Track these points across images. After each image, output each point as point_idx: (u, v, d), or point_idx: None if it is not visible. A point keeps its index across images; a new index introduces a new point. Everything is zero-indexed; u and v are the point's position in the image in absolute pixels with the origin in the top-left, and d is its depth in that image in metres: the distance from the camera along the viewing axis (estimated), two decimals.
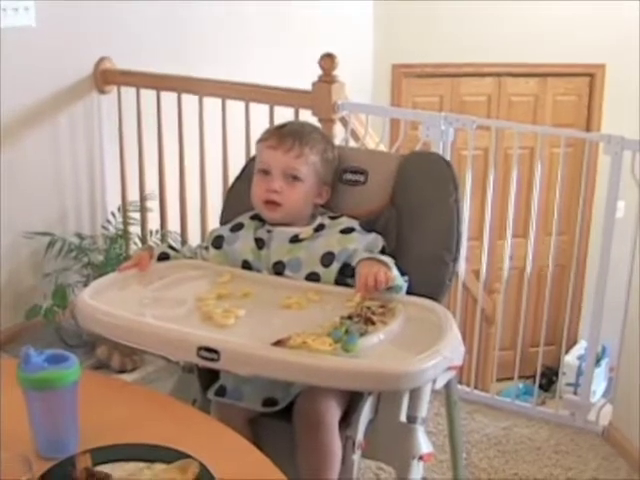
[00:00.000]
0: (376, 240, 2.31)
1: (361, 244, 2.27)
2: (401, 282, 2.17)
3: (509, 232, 3.84)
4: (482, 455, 3.40)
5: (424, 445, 2.18)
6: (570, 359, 6.22)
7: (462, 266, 3.88)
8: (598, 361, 5.78)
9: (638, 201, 3.39)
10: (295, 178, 2.33)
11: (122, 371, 3.78)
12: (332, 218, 2.38)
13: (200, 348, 1.87)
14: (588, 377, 3.77)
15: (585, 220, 6.40)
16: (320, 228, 2.34)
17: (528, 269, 3.88)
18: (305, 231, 2.33)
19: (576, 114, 6.94)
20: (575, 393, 4.24)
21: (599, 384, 5.49)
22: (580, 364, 5.84)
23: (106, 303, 2.08)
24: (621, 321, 3.53)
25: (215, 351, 1.85)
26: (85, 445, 1.64)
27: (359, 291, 2.11)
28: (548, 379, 6.27)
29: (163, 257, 2.38)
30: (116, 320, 2.02)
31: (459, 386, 3.85)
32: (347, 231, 2.31)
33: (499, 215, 4.23)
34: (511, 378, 4.04)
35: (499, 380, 4.30)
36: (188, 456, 1.59)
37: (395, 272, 2.15)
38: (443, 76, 6.60)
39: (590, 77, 6.89)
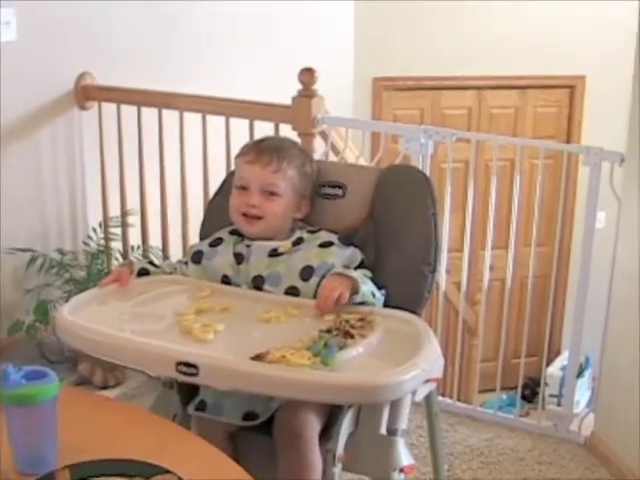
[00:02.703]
0: (354, 254, 2.32)
1: (340, 258, 2.29)
2: (371, 299, 2.19)
3: (489, 243, 3.85)
4: (465, 467, 3.41)
5: (405, 457, 2.19)
6: (553, 370, 6.23)
7: (443, 278, 3.90)
8: (582, 372, 5.81)
9: (617, 212, 3.41)
10: (273, 193, 2.34)
11: (104, 387, 3.77)
12: (311, 232, 2.39)
13: (179, 363, 1.87)
14: (570, 388, 3.78)
15: (566, 231, 6.43)
16: (299, 242, 2.35)
17: (509, 280, 3.89)
18: (284, 245, 2.34)
19: (557, 126, 6.97)
20: (559, 404, 4.24)
21: (583, 394, 5.50)
22: (563, 375, 5.85)
23: (85, 319, 2.08)
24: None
25: (194, 366, 1.86)
26: (65, 461, 1.63)
27: (316, 308, 2.14)
28: (532, 390, 6.27)
29: (143, 273, 2.38)
30: (95, 336, 2.02)
31: (442, 398, 3.87)
32: (326, 245, 2.33)
33: (481, 227, 4.24)
34: (495, 390, 4.05)
35: (483, 391, 4.30)
36: (167, 471, 1.59)
37: (364, 288, 2.17)
38: (424, 89, 6.61)
39: (570, 89, 6.92)
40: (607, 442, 3.47)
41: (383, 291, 2.24)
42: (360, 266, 2.30)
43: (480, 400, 4.15)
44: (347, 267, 2.28)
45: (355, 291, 2.16)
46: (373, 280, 2.26)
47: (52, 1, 3.89)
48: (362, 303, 2.18)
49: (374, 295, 2.22)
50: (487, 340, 4.09)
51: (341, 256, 2.30)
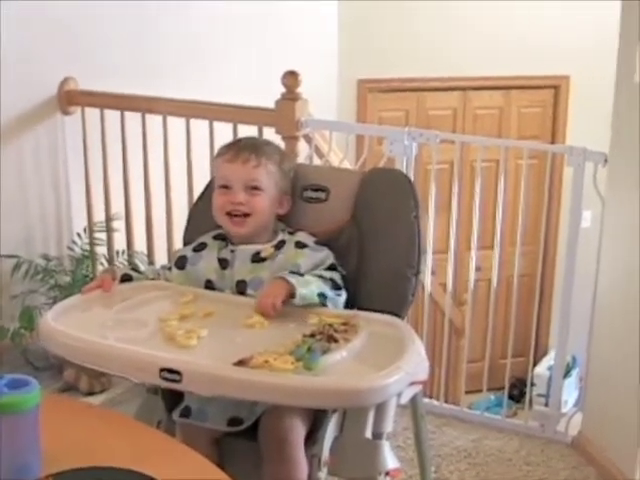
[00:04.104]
0: (325, 257, 2.32)
1: (309, 260, 2.29)
2: (314, 300, 2.18)
3: (474, 244, 3.86)
4: (453, 468, 3.41)
5: (390, 460, 2.18)
6: (541, 370, 6.24)
7: (429, 279, 3.90)
8: (569, 371, 5.81)
9: (601, 212, 3.42)
10: (256, 188, 2.34)
11: (90, 393, 3.76)
12: (291, 233, 2.40)
13: (162, 369, 1.86)
14: (557, 387, 3.79)
15: (552, 230, 6.44)
16: (280, 245, 2.35)
17: (494, 280, 3.90)
18: (266, 249, 2.34)
19: (541, 126, 6.99)
20: (546, 404, 4.25)
21: (570, 394, 5.50)
22: (550, 375, 5.86)
23: (69, 325, 2.07)
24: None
25: (177, 372, 1.85)
26: (48, 469, 1.62)
27: (255, 310, 2.15)
28: (520, 390, 6.27)
29: (126, 278, 2.37)
30: (78, 343, 2.02)
31: (429, 399, 3.87)
32: (300, 245, 2.33)
33: (466, 227, 4.24)
34: (482, 390, 4.06)
35: (471, 392, 4.31)
36: (152, 479, 1.58)
37: (304, 291, 2.16)
38: (408, 91, 6.62)
39: (555, 89, 6.95)
40: (594, 442, 3.48)
41: (341, 291, 2.25)
42: (329, 269, 2.30)
43: (468, 401, 4.16)
44: (314, 268, 2.28)
45: (292, 295, 2.16)
46: (334, 280, 2.26)
47: (34, 5, 3.88)
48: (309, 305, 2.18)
49: (325, 296, 2.20)
50: (474, 341, 4.10)
51: (311, 259, 2.30)
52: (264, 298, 2.16)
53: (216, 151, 2.49)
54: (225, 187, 2.37)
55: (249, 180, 2.35)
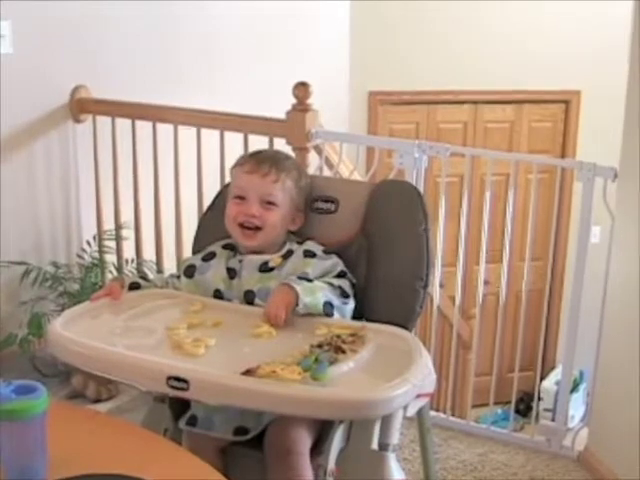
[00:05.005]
0: (334, 265, 2.32)
1: (318, 269, 2.29)
2: (318, 309, 2.18)
3: (483, 257, 3.86)
4: None
5: (396, 472, 2.19)
6: (548, 384, 6.22)
7: (437, 292, 3.90)
8: (576, 386, 5.80)
9: (610, 227, 3.42)
10: (271, 203, 2.34)
11: (97, 400, 3.77)
12: (299, 243, 2.39)
13: (170, 378, 1.86)
14: (563, 402, 3.78)
15: (561, 245, 6.43)
16: (288, 255, 2.35)
17: (503, 295, 3.89)
18: (274, 259, 2.34)
19: (552, 140, 6.99)
20: (553, 419, 4.24)
21: (577, 409, 5.49)
22: (557, 389, 5.84)
23: (77, 332, 2.07)
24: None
25: (184, 380, 1.85)
26: (54, 475, 1.63)
27: (263, 319, 2.15)
28: (526, 405, 6.27)
29: (134, 287, 2.38)
30: (86, 350, 2.02)
31: (435, 412, 3.87)
32: (308, 254, 2.33)
33: (475, 241, 4.24)
34: (489, 404, 4.05)
35: (478, 406, 4.30)
36: None
37: (307, 300, 2.15)
38: (419, 103, 6.63)
39: (565, 104, 6.95)
40: (600, 457, 3.47)
41: (349, 299, 2.25)
42: (338, 276, 2.30)
43: (474, 415, 4.15)
44: (323, 277, 2.28)
45: (296, 303, 2.16)
46: (342, 288, 2.26)
47: (48, 15, 3.91)
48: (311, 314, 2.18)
49: (332, 305, 2.20)
50: (481, 354, 4.09)
51: (319, 267, 2.30)
52: (270, 308, 2.16)
53: (231, 163, 2.48)
54: (240, 198, 2.37)
55: (265, 194, 2.34)
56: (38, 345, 3.79)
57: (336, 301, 2.22)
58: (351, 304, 2.26)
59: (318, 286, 2.21)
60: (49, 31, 3.94)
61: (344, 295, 2.25)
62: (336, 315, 2.21)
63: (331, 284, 2.24)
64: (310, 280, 2.22)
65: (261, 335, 2.10)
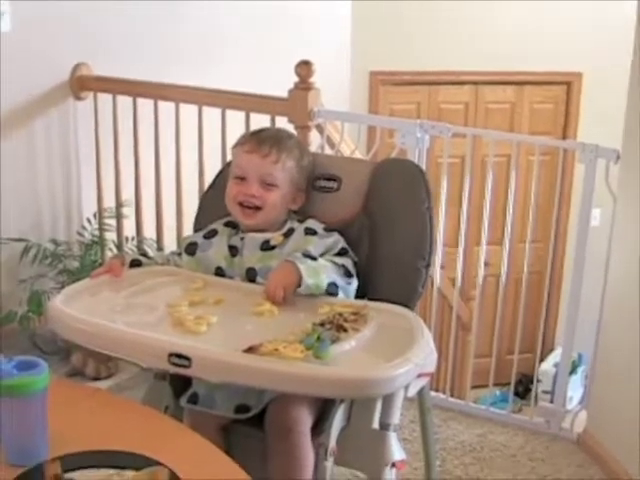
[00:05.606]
0: (335, 242, 2.31)
1: (319, 246, 2.28)
2: (320, 291, 2.16)
3: (484, 239, 3.85)
4: (457, 462, 3.41)
5: (397, 452, 2.19)
6: (547, 366, 6.24)
7: (438, 273, 3.89)
8: (574, 368, 5.81)
9: (612, 209, 3.41)
10: (271, 184, 2.33)
11: (97, 378, 3.76)
12: (300, 221, 2.38)
13: (171, 354, 1.86)
14: (562, 384, 3.78)
15: (562, 227, 6.43)
16: (289, 233, 2.34)
17: (503, 276, 3.89)
18: (275, 237, 2.33)
19: (553, 122, 6.98)
20: (552, 401, 4.24)
21: (576, 391, 5.50)
22: (556, 371, 5.86)
23: (78, 309, 2.07)
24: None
25: (186, 358, 1.85)
26: (55, 452, 1.62)
27: (263, 297, 2.14)
28: (525, 386, 6.28)
29: (135, 264, 2.37)
30: (87, 327, 2.01)
31: (435, 393, 3.86)
32: (309, 232, 2.32)
33: (476, 222, 4.24)
34: (488, 385, 4.06)
35: (477, 387, 4.30)
36: (158, 463, 1.58)
37: (310, 282, 2.13)
38: (421, 84, 6.62)
39: (567, 85, 6.93)
40: (599, 439, 3.47)
41: (352, 279, 2.24)
42: (339, 254, 2.28)
43: (474, 396, 4.16)
44: (325, 254, 2.26)
45: (298, 284, 2.14)
46: (346, 267, 2.25)
47: None
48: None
49: (336, 285, 2.19)
50: (481, 336, 4.09)
51: (320, 245, 2.28)
52: (269, 286, 2.15)
53: (233, 141, 2.46)
54: (240, 177, 2.35)
55: (265, 175, 2.33)
56: (38, 323, 3.79)
57: (340, 281, 2.21)
58: (354, 284, 2.25)
59: (322, 265, 2.20)
60: (49, 8, 3.91)
61: (348, 274, 2.24)
62: (340, 295, 2.20)
63: (335, 263, 2.23)
64: (314, 258, 2.21)
65: (262, 313, 2.09)
